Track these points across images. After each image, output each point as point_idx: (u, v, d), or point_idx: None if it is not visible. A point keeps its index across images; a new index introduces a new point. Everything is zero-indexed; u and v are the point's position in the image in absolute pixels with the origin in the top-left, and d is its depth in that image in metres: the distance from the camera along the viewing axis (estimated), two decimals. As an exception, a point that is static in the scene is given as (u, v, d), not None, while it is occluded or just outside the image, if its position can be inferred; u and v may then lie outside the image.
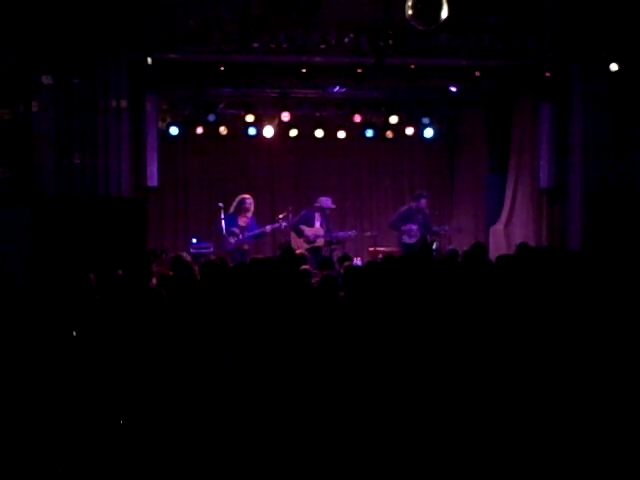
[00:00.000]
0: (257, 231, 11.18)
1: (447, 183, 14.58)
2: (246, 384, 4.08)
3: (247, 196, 11.28)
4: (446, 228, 12.49)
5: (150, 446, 3.80)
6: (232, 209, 11.22)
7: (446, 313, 4.96)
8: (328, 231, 11.45)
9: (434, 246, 11.42)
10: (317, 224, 11.51)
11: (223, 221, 10.99)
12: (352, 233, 11.77)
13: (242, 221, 11.08)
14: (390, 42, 9.57)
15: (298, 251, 9.02)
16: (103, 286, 6.01)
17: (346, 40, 9.91)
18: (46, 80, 9.47)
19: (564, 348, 4.43)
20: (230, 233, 10.95)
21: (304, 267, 7.17)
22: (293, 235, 11.52)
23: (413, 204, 12.07)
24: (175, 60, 10.54)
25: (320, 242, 11.44)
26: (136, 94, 10.67)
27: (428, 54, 10.24)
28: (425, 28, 7.13)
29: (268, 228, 11.25)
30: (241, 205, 11.14)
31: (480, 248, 8.19)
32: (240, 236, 10.97)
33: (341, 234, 11.70)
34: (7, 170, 9.38)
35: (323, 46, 9.91)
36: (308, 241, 11.38)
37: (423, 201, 12.07)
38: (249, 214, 11.16)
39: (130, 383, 4.17)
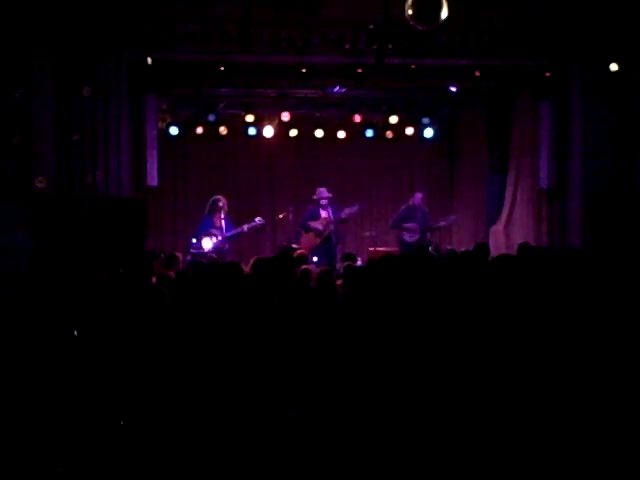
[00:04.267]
0: (235, 231, 11.16)
1: (447, 183, 14.59)
2: (245, 383, 4.08)
3: (220, 197, 11.22)
4: (444, 221, 12.46)
5: (150, 445, 3.80)
6: (206, 210, 11.19)
7: (445, 313, 4.96)
8: (335, 215, 11.46)
9: (430, 248, 11.38)
10: (323, 215, 11.51)
11: (223, 221, 11.00)
12: (356, 207, 11.72)
13: (217, 222, 11.06)
14: (390, 45, 9.58)
15: (299, 251, 9.02)
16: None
17: (346, 40, 9.92)
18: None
19: (564, 348, 4.43)
20: (208, 234, 10.95)
21: (304, 267, 7.16)
22: (303, 233, 11.50)
23: (410, 201, 12.11)
24: (175, 60, 10.54)
25: (329, 230, 11.40)
26: (136, 94, 10.67)
27: (428, 54, 10.24)
28: (425, 28, 7.12)
29: (245, 227, 11.19)
30: (215, 206, 11.08)
31: (483, 249, 8.16)
32: (219, 237, 10.97)
33: (346, 211, 11.64)
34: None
35: (323, 46, 9.91)
36: (318, 233, 11.38)
37: (418, 195, 12.10)
38: (222, 214, 11.13)
39: (131, 383, 4.17)
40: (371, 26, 9.56)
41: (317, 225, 11.39)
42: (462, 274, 5.93)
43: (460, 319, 4.79)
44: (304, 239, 11.35)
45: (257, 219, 11.26)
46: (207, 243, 10.86)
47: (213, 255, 10.41)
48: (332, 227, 11.41)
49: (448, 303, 5.08)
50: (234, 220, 11.40)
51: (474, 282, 5.61)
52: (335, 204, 11.71)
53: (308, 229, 11.43)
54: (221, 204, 11.09)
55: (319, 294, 5.44)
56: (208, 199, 11.34)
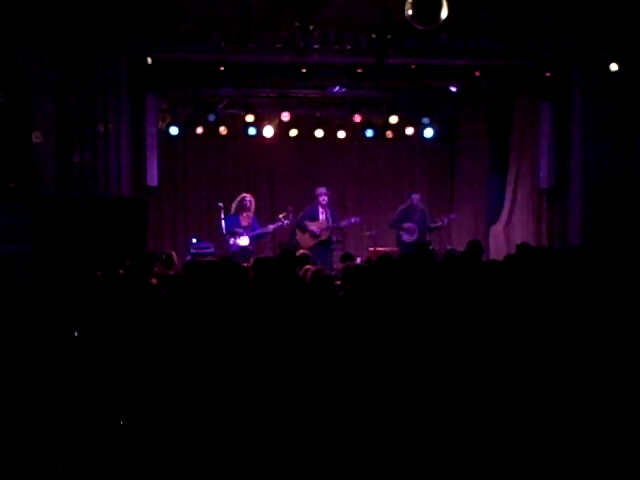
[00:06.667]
0: (260, 231, 11.14)
1: (447, 183, 14.59)
2: (244, 383, 4.08)
3: (247, 195, 11.21)
4: (444, 220, 12.45)
5: (150, 445, 3.80)
6: (233, 209, 11.17)
7: (444, 314, 4.96)
8: (334, 221, 11.45)
9: (430, 247, 11.38)
10: (322, 217, 11.49)
11: (223, 221, 10.95)
12: (356, 219, 11.73)
13: (244, 221, 11.03)
14: (390, 45, 9.59)
15: (301, 251, 9.00)
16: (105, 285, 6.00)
17: (346, 40, 9.92)
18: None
19: (563, 348, 4.43)
20: (233, 233, 10.90)
21: (306, 267, 7.13)
22: (299, 232, 11.49)
23: (407, 203, 12.11)
24: (175, 60, 10.55)
25: (326, 235, 11.41)
26: (136, 94, 10.67)
27: (428, 54, 10.24)
28: (425, 28, 7.13)
29: (271, 227, 11.17)
30: (241, 204, 11.09)
31: (476, 246, 8.13)
32: (244, 235, 10.94)
33: (345, 221, 11.66)
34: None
35: (323, 46, 9.91)
36: (314, 235, 11.37)
37: (415, 197, 12.08)
38: (250, 213, 11.10)
39: (131, 383, 4.17)
40: (373, 35, 9.60)
41: (314, 228, 11.39)
42: (458, 274, 5.93)
43: (459, 319, 4.79)
44: (300, 239, 11.33)
45: (284, 220, 11.20)
46: (244, 241, 10.87)
47: (210, 256, 10.38)
48: (328, 234, 11.42)
49: (446, 303, 5.08)
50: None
51: (470, 282, 5.61)
52: (334, 209, 11.72)
53: (305, 230, 11.42)
54: (248, 202, 11.07)
55: (314, 293, 5.44)
56: (207, 199, 11.31)
